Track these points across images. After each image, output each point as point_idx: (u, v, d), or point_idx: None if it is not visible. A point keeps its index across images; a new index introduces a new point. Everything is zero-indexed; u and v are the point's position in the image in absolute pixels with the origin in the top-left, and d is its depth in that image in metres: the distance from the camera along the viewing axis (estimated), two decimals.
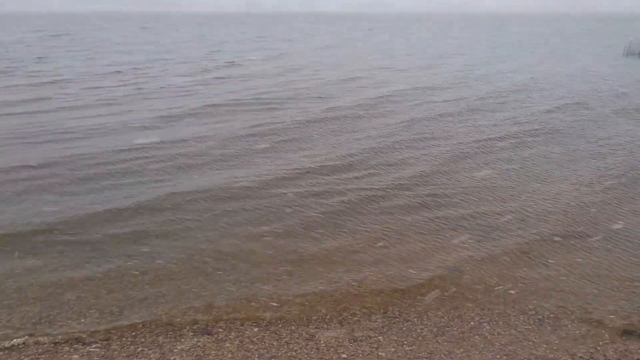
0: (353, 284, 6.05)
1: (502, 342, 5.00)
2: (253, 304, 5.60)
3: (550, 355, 4.81)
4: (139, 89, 20.00)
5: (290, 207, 8.27)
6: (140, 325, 5.14)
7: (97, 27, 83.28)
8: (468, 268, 6.44)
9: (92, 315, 5.31)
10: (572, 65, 28.86)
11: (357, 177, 9.75)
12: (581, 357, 4.77)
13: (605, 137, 12.86)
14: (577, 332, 5.17)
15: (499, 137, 12.79)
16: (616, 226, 7.69)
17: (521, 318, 5.43)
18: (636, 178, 9.76)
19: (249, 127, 13.53)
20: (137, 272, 6.20)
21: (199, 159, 10.84)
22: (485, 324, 5.31)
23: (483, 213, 8.13)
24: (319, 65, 28.98)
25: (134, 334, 5.00)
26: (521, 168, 10.43)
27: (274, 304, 5.60)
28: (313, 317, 5.39)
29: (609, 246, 7.07)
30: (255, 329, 5.16)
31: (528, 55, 34.90)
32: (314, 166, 10.30)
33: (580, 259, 6.70)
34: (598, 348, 4.89)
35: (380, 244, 7.10)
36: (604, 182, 9.51)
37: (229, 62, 30.18)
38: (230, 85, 21.16)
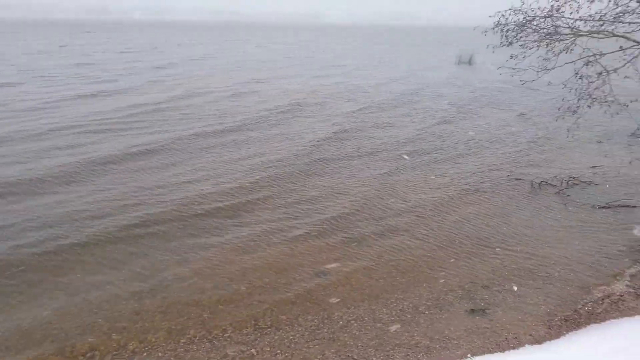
0: (222, 299, 5.91)
1: (369, 337, 5.27)
2: (114, 335, 5.17)
3: (412, 342, 5.18)
4: None
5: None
6: None
7: None
8: (334, 270, 6.67)
9: None
10: (408, 71, 31.65)
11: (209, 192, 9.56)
12: (438, 339, 5.23)
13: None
14: (429, 318, 5.65)
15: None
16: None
17: (384, 311, 5.77)
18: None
19: None
20: None
21: None
22: (353, 322, 5.54)
23: (340, 216, 8.50)
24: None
25: None
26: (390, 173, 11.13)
27: (138, 331, 5.23)
28: (181, 341, 5.15)
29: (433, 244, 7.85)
30: None
31: (390, 68, 37.42)
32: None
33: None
34: (451, 328, 5.40)
35: (246, 256, 7.01)
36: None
37: None
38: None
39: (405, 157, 12.08)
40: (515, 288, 6.30)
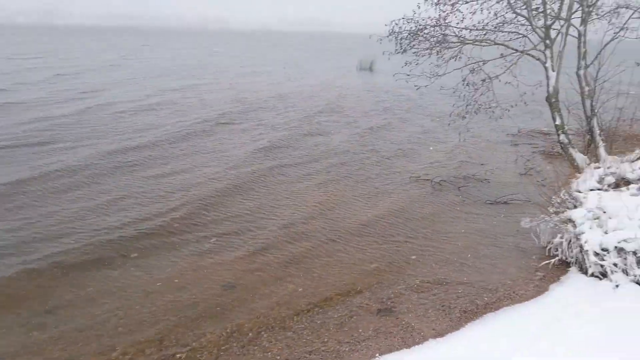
0: (122, 322, 5.57)
1: (280, 347, 5.22)
2: None
3: (323, 348, 5.21)
4: None
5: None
6: None
7: None
8: (241, 281, 6.56)
9: None
10: (320, 79, 32.19)
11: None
12: (347, 342, 5.30)
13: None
14: (339, 322, 5.73)
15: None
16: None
17: (295, 319, 5.75)
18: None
19: None
20: None
21: None
22: (264, 333, 5.47)
23: (245, 225, 8.40)
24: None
25: None
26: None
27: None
28: None
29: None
30: None
31: (300, 75, 37.59)
32: None
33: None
34: (360, 330, 5.51)
35: (147, 276, 6.68)
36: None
37: None
38: None
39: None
40: (418, 281, 6.59)
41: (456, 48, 8.41)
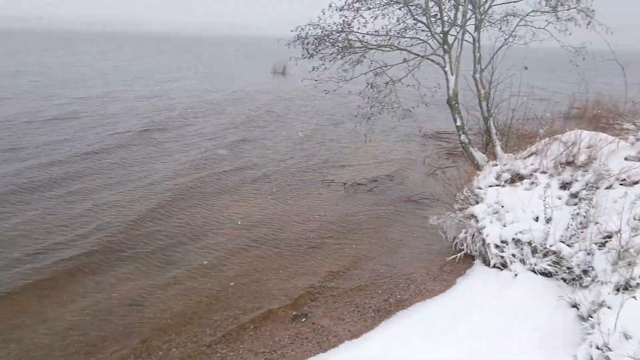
0: (21, 354, 5.07)
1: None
2: None
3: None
4: None
5: None
6: None
7: None
8: (150, 298, 6.24)
9: None
10: (234, 85, 31.68)
11: None
12: (263, 352, 5.20)
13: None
14: (254, 332, 5.62)
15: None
16: None
17: (208, 332, 5.56)
18: None
19: None
20: None
21: None
22: (175, 350, 5.22)
23: (147, 238, 8.04)
24: None
25: None
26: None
27: None
28: None
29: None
30: None
31: (217, 80, 36.59)
32: None
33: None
34: (276, 339, 5.43)
35: (46, 300, 6.16)
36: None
37: None
38: None
39: (221, 151, 11.96)
40: (333, 284, 6.64)
41: (360, 53, 8.62)
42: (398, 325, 5.60)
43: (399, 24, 9.58)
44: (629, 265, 5.34)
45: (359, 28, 8.49)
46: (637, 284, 5.15)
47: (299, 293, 6.44)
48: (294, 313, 5.96)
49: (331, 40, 8.44)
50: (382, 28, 9.27)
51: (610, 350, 4.34)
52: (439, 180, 11.02)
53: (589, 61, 9.29)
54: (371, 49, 8.65)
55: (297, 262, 7.37)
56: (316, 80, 8.25)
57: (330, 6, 8.37)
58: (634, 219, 5.97)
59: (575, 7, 9.38)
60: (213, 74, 37.41)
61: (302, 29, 8.53)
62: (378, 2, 8.58)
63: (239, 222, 8.71)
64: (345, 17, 8.29)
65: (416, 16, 9.19)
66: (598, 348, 4.49)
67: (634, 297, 4.75)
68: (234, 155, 13.31)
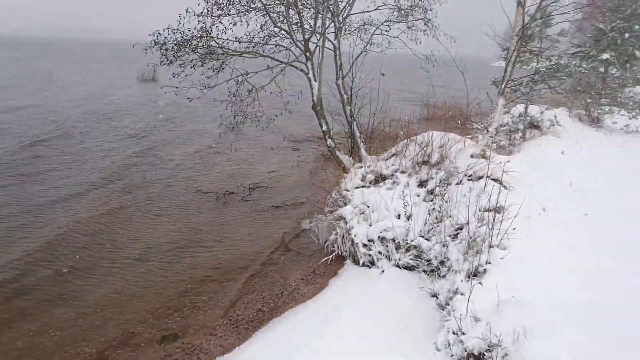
0: None
1: None
2: None
3: None
4: None
5: None
6: None
7: None
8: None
9: None
10: (94, 91, 29.30)
11: None
12: None
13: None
14: (123, 358, 5.21)
15: None
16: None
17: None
18: None
19: None
20: None
21: None
22: None
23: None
24: None
25: None
26: None
27: None
28: None
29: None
30: None
31: (78, 87, 33.22)
32: None
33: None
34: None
35: None
36: None
37: None
38: None
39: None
40: (205, 298, 6.41)
41: (222, 60, 8.43)
42: (271, 334, 5.56)
43: (263, 31, 9.59)
44: (477, 253, 5.86)
45: (218, 35, 8.29)
46: (485, 269, 5.68)
47: (168, 312, 6.12)
48: (163, 334, 5.63)
49: (192, 47, 8.13)
50: (245, 35, 9.19)
51: (464, 334, 4.69)
52: (312, 184, 11.22)
53: (438, 67, 10.11)
54: (233, 55, 8.51)
55: (164, 278, 6.98)
56: (177, 87, 7.88)
57: (187, 11, 8.06)
58: (479, 211, 6.59)
59: (421, 19, 10.16)
60: (86, 82, 34.34)
61: (160, 33, 8.10)
62: (238, 9, 8.45)
63: (107, 245, 8.03)
64: (204, 23, 8.03)
65: (278, 24, 9.26)
66: (454, 333, 4.84)
67: (480, 283, 5.20)
68: (104, 168, 12.30)
